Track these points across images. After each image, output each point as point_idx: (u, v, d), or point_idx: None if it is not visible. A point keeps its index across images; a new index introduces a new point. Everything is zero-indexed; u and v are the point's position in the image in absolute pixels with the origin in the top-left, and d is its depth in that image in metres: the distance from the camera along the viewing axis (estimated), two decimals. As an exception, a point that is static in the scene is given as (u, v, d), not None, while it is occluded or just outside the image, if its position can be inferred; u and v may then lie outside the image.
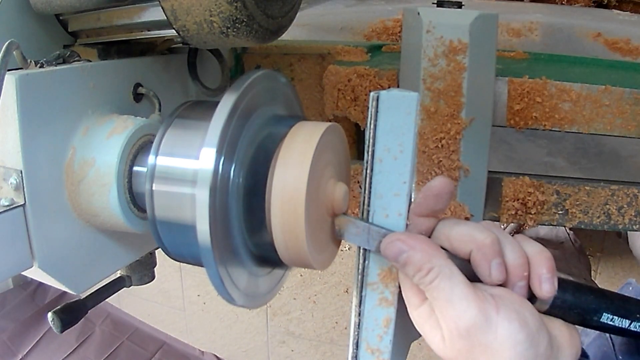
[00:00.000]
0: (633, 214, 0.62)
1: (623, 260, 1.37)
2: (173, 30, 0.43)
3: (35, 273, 0.44)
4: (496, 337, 0.32)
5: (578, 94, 0.59)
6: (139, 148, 0.46)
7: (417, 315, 0.36)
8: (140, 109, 0.52)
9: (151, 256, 0.62)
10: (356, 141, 0.71)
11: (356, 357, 0.37)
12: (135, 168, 0.45)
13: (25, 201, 0.41)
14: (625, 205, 0.62)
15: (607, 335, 0.63)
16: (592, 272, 1.31)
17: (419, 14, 0.57)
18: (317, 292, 1.73)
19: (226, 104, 0.35)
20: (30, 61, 0.44)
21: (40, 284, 1.22)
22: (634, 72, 0.69)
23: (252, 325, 1.88)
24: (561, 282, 0.35)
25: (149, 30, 0.49)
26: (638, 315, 0.35)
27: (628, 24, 0.80)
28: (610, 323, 0.35)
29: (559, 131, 0.61)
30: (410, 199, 0.36)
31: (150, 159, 0.40)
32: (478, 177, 0.61)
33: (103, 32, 0.51)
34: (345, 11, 0.90)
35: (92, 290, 0.54)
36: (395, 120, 0.35)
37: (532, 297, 0.35)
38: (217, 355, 1.98)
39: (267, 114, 0.39)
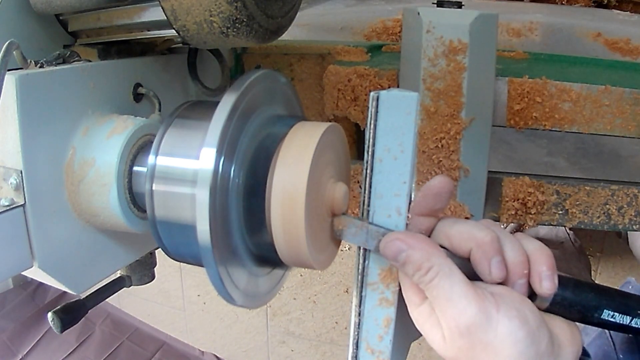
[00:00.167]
0: (633, 214, 0.62)
1: (623, 260, 1.37)
2: (173, 30, 0.43)
3: (35, 273, 0.44)
4: (496, 335, 0.32)
5: (578, 94, 0.59)
6: (139, 148, 0.46)
7: (418, 314, 0.36)
8: (140, 109, 0.52)
9: (151, 256, 0.62)
10: (356, 141, 0.71)
11: (356, 357, 0.37)
12: (135, 168, 0.45)
13: (25, 201, 0.41)
14: (625, 205, 0.62)
15: (608, 334, 0.63)
16: (592, 272, 1.31)
17: (419, 14, 0.57)
18: (317, 292, 1.73)
19: (226, 104, 0.35)
20: (30, 61, 0.44)
21: (40, 284, 1.22)
22: (634, 72, 0.69)
23: (252, 325, 1.88)
24: (561, 279, 0.35)
25: (149, 30, 0.49)
26: (639, 312, 0.35)
27: (628, 24, 0.80)
28: (611, 320, 0.35)
29: (559, 131, 0.61)
30: (410, 199, 0.36)
31: (150, 159, 0.40)
32: (478, 177, 0.61)
33: (103, 32, 0.51)
34: (345, 11, 0.90)
35: (92, 290, 0.54)
36: (395, 120, 0.35)
37: (532, 295, 0.35)
38: (217, 355, 1.98)
39: (267, 114, 0.39)
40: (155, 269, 0.64)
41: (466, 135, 0.59)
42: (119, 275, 0.60)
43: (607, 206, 0.62)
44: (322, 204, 0.38)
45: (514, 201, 0.63)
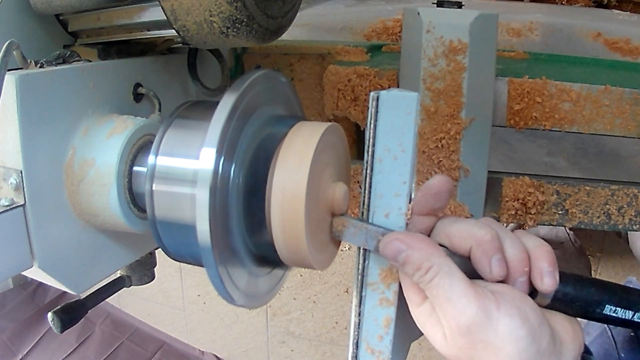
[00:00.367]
0: (633, 214, 0.62)
1: (623, 260, 1.37)
2: (173, 30, 0.43)
3: (35, 273, 0.44)
4: (497, 333, 0.32)
5: (578, 94, 0.59)
6: (139, 148, 0.46)
7: (419, 314, 0.36)
8: (140, 109, 0.52)
9: (151, 256, 0.62)
10: (356, 141, 0.71)
11: (356, 357, 0.37)
12: (135, 168, 0.45)
13: (25, 201, 0.41)
14: (625, 205, 0.62)
15: (609, 333, 0.63)
16: (592, 272, 1.31)
17: (419, 14, 0.57)
18: (317, 292, 1.73)
19: (226, 104, 0.35)
20: (30, 61, 0.44)
21: (40, 284, 1.22)
22: (634, 72, 0.69)
23: (252, 325, 1.88)
24: (562, 276, 0.35)
25: (149, 30, 0.49)
26: None
27: (628, 24, 0.80)
28: (614, 315, 0.35)
29: (559, 131, 0.61)
30: (410, 199, 0.36)
31: (150, 159, 0.40)
32: (478, 177, 0.61)
33: (103, 32, 0.51)
34: (345, 11, 0.90)
35: (92, 290, 0.54)
36: (395, 120, 0.35)
37: (533, 292, 0.35)
38: (217, 355, 1.98)
39: (267, 114, 0.39)
40: (155, 269, 0.64)
41: (466, 135, 0.59)
42: (119, 275, 0.60)
43: (607, 206, 0.62)
44: (322, 204, 0.38)
45: (514, 201, 0.63)
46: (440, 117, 0.59)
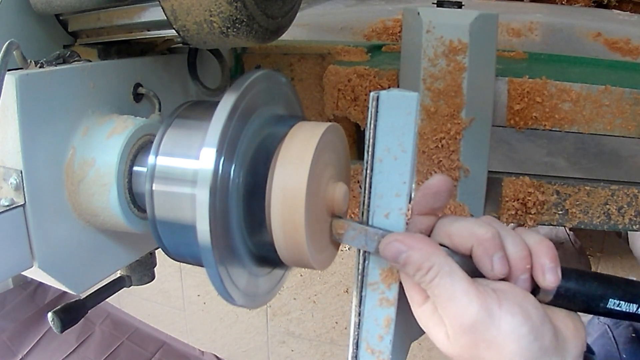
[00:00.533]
0: (633, 214, 0.62)
1: (623, 260, 1.37)
2: (173, 30, 0.43)
3: (35, 273, 0.44)
4: (500, 331, 0.32)
5: (578, 94, 0.59)
6: (139, 148, 0.46)
7: (421, 313, 0.36)
8: (140, 109, 0.52)
9: (151, 256, 0.62)
10: (356, 141, 0.71)
11: (356, 357, 0.37)
12: (135, 168, 0.45)
13: (25, 201, 0.41)
14: (625, 205, 0.62)
15: (610, 334, 0.63)
16: (592, 272, 1.31)
17: (419, 14, 0.57)
18: (317, 292, 1.73)
19: (226, 104, 0.35)
20: (30, 61, 0.43)
21: (40, 284, 1.22)
22: (634, 72, 0.69)
23: (252, 325, 1.88)
24: (564, 271, 0.35)
25: (149, 30, 0.49)
26: None
27: (628, 24, 0.80)
28: (617, 308, 0.35)
29: (559, 131, 0.61)
30: (410, 199, 0.36)
31: (150, 159, 0.40)
32: (478, 177, 0.61)
33: (103, 32, 0.51)
34: (345, 11, 0.90)
35: (92, 290, 0.54)
36: (395, 120, 0.35)
37: (535, 289, 0.35)
38: (217, 355, 1.98)
39: (267, 114, 0.39)
40: (155, 269, 0.64)
41: (466, 135, 0.59)
42: (119, 275, 0.60)
43: (607, 206, 0.62)
44: (322, 204, 0.38)
45: (514, 201, 0.63)
46: (440, 117, 0.59)
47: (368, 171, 0.36)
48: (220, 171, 0.34)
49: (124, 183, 0.44)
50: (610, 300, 0.35)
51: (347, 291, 1.70)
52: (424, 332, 0.38)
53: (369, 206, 0.36)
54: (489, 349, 0.33)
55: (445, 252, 0.35)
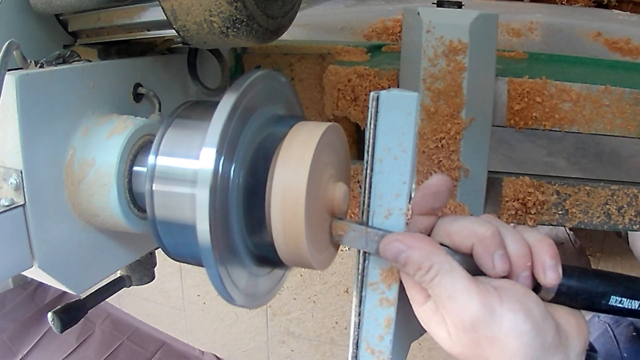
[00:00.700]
0: (633, 214, 0.62)
1: (623, 260, 1.37)
2: (173, 30, 0.43)
3: (35, 273, 0.44)
4: (501, 328, 0.32)
5: (578, 94, 0.59)
6: (139, 148, 0.46)
7: (422, 313, 0.36)
8: (140, 109, 0.52)
9: (151, 256, 0.62)
10: (356, 141, 0.71)
11: (356, 357, 0.37)
12: (135, 168, 0.45)
13: (25, 201, 0.41)
14: (625, 205, 0.62)
15: (611, 332, 0.63)
16: (592, 272, 1.31)
17: (419, 14, 0.57)
18: (317, 292, 1.73)
19: (226, 104, 0.35)
20: (30, 61, 0.43)
21: (40, 284, 1.22)
22: (634, 72, 0.69)
23: (252, 325, 1.88)
24: (565, 269, 0.35)
25: (149, 30, 0.49)
26: None
27: (628, 24, 0.80)
28: (619, 305, 0.35)
29: (559, 131, 0.61)
30: (410, 199, 0.36)
31: (150, 159, 0.40)
32: (478, 177, 0.61)
33: (103, 32, 0.51)
34: (345, 11, 0.90)
35: (92, 290, 0.54)
36: (395, 120, 0.35)
37: (536, 287, 0.35)
38: (217, 355, 1.98)
39: (267, 114, 0.39)
40: (155, 269, 0.64)
41: (466, 135, 0.59)
42: (119, 275, 0.60)
43: (607, 206, 0.62)
44: (322, 204, 0.38)
45: (514, 201, 0.63)
46: (440, 117, 0.59)
47: (368, 171, 0.36)
48: (220, 171, 0.34)
49: (124, 183, 0.44)
50: (612, 297, 0.35)
51: (347, 291, 1.70)
52: (424, 332, 0.38)
53: (369, 206, 0.36)
54: (491, 346, 0.33)
55: (445, 251, 0.35)
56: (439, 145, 0.59)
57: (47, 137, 0.42)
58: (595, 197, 0.62)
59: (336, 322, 1.75)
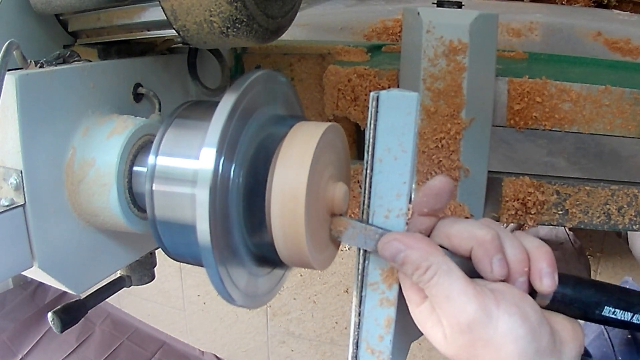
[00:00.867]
0: (633, 214, 0.62)
1: (623, 260, 1.37)
2: (173, 30, 0.43)
3: (35, 273, 0.44)
4: (497, 331, 0.32)
5: (578, 94, 0.59)
6: (139, 148, 0.46)
7: (419, 313, 0.36)
8: (140, 109, 0.52)
9: (151, 256, 0.62)
10: (356, 141, 0.71)
11: (356, 357, 0.37)
12: (135, 168, 0.45)
13: (25, 201, 0.41)
14: (625, 205, 0.62)
15: (606, 335, 0.63)
16: (592, 272, 1.31)
17: (419, 14, 0.57)
18: (317, 292, 1.73)
19: (226, 104, 0.35)
20: (30, 61, 0.43)
21: (40, 284, 1.22)
22: (634, 72, 0.69)
23: (252, 325, 1.88)
24: (561, 277, 0.35)
25: (149, 30, 0.49)
26: None
27: (628, 24, 0.80)
28: (612, 316, 0.35)
29: (559, 131, 0.61)
30: (410, 199, 0.36)
31: (150, 159, 0.40)
32: (478, 177, 0.61)
33: (103, 32, 0.51)
34: (345, 11, 0.90)
35: (92, 290, 0.54)
36: (395, 120, 0.35)
37: (532, 293, 0.35)
38: (217, 355, 1.98)
39: (267, 114, 0.39)
40: (155, 269, 0.64)
41: (466, 135, 0.59)
42: (119, 275, 0.60)
43: (607, 206, 0.62)
44: (322, 204, 0.38)
45: (514, 201, 0.63)
46: (440, 117, 0.59)
47: (368, 171, 0.36)
48: (220, 171, 0.34)
49: (124, 183, 0.44)
50: (605, 307, 0.35)
51: (347, 291, 1.70)
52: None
53: (369, 206, 0.36)
54: (486, 349, 0.33)
55: (443, 252, 0.35)
56: (439, 145, 0.59)
57: (47, 137, 0.42)
58: (595, 197, 0.62)
59: (336, 322, 1.75)
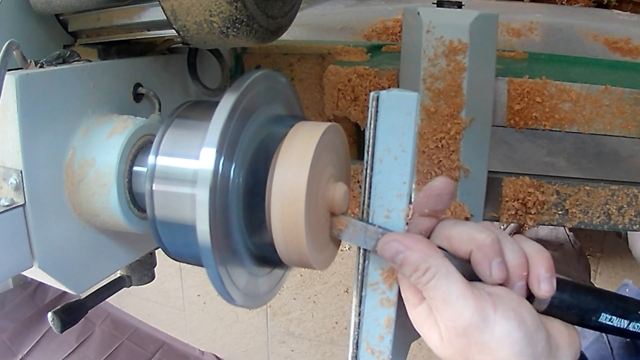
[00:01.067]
0: (633, 214, 0.62)
1: (623, 260, 1.37)
2: (173, 30, 0.43)
3: (35, 273, 0.44)
4: (493, 335, 0.32)
5: (578, 94, 0.59)
6: (139, 148, 0.46)
7: (416, 315, 0.36)
8: (140, 109, 0.52)
9: (151, 256, 0.62)
10: (356, 141, 0.71)
11: (356, 357, 0.37)
12: (135, 168, 0.45)
13: (25, 201, 0.41)
14: (625, 205, 0.62)
15: (605, 338, 0.63)
16: (592, 272, 1.31)
17: (419, 14, 0.57)
18: (317, 292, 1.73)
19: (226, 104, 0.35)
20: (30, 61, 0.43)
21: (40, 284, 1.22)
22: (634, 72, 0.69)
23: (252, 325, 1.88)
24: (559, 282, 0.35)
25: (149, 30, 0.49)
26: (636, 315, 0.35)
27: (628, 24, 0.80)
28: (609, 323, 0.35)
29: (559, 131, 0.61)
30: (410, 199, 0.36)
31: (150, 159, 0.40)
32: (478, 177, 0.61)
33: (103, 32, 0.51)
34: (345, 11, 0.90)
35: (92, 290, 0.54)
36: (395, 120, 0.35)
37: (530, 297, 0.35)
38: (217, 355, 1.98)
39: (267, 114, 0.39)
40: (155, 269, 0.64)
41: (466, 135, 0.59)
42: (119, 275, 0.60)
43: (607, 206, 0.62)
44: (322, 204, 0.38)
45: (514, 201, 0.63)
46: (440, 117, 0.59)
47: (368, 171, 0.36)
48: (220, 171, 0.34)
49: (124, 183, 0.44)
50: (602, 314, 0.35)
51: (347, 291, 1.70)
52: (422, 333, 0.38)
53: (369, 206, 0.36)
54: (481, 353, 0.33)
55: (442, 254, 0.35)
56: (439, 145, 0.59)
57: (47, 137, 0.42)
58: (595, 197, 0.62)
59: (336, 322, 1.75)
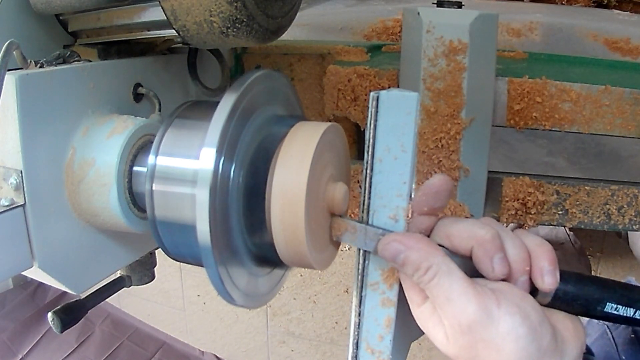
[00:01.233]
0: (633, 214, 0.62)
1: (623, 260, 1.37)
2: (173, 30, 0.43)
3: (35, 273, 0.44)
4: (498, 331, 0.32)
5: (578, 94, 0.59)
6: (139, 148, 0.46)
7: (420, 314, 0.36)
8: (140, 109, 0.52)
9: (151, 256, 0.62)
10: (356, 141, 0.71)
11: (356, 357, 0.37)
12: (135, 168, 0.45)
13: (25, 201, 0.41)
14: (625, 205, 0.62)
15: (610, 335, 0.63)
16: (592, 272, 1.31)
17: (419, 14, 0.57)
18: (317, 292, 1.73)
19: (226, 104, 0.35)
20: (30, 61, 0.43)
21: (40, 284, 1.22)
22: (634, 72, 0.69)
23: (252, 325, 1.88)
24: (563, 274, 0.35)
25: (149, 30, 0.49)
26: None
27: (628, 24, 0.80)
28: (615, 312, 0.35)
29: (559, 131, 0.61)
30: (410, 199, 0.36)
31: (150, 159, 0.40)
32: (478, 177, 0.61)
33: (103, 32, 0.51)
34: (345, 11, 0.90)
35: (92, 290, 0.54)
36: (395, 120, 0.35)
37: (534, 291, 0.35)
38: (217, 355, 1.98)
39: (267, 114, 0.39)
40: (155, 269, 0.64)
41: (466, 135, 0.59)
42: (119, 275, 0.60)
43: (607, 206, 0.62)
44: (322, 204, 0.38)
45: (514, 201, 0.63)
46: (440, 117, 0.59)
47: (368, 171, 0.36)
48: (220, 171, 0.34)
49: (124, 183, 0.44)
50: (607, 304, 0.35)
51: (347, 291, 1.70)
52: (424, 333, 0.38)
53: (369, 206, 0.36)
54: (487, 349, 0.33)
55: (443, 252, 0.35)
56: (439, 145, 0.59)
57: (47, 137, 0.42)
58: (595, 197, 0.62)
59: (336, 322, 1.75)
